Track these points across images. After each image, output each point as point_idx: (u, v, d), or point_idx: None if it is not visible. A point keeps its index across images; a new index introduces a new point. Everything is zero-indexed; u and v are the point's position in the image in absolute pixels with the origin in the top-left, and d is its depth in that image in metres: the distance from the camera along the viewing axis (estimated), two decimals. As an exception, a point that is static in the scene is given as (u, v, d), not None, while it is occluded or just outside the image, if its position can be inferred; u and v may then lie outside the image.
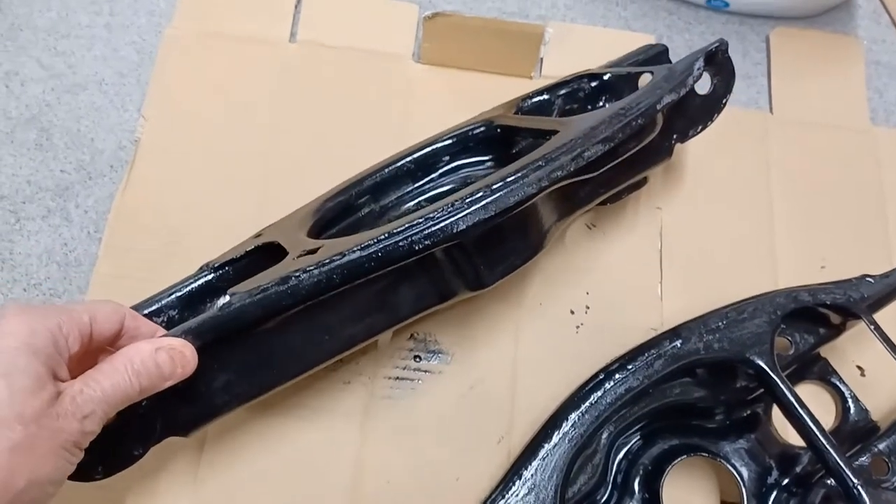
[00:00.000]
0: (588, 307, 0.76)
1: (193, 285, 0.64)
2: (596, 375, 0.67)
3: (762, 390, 0.68)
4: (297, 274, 0.53)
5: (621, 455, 0.70)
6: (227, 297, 0.57)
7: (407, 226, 0.53)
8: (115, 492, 0.65)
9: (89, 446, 0.48)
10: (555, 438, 0.64)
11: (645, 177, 0.75)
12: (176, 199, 0.77)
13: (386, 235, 0.53)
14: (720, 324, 0.68)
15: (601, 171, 0.61)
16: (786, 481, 0.69)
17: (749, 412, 0.71)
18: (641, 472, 0.69)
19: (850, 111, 0.89)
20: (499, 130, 0.74)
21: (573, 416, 0.65)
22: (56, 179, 0.79)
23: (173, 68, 0.82)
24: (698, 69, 0.67)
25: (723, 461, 0.69)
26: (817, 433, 0.62)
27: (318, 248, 0.58)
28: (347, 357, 0.63)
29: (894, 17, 0.97)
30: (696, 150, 0.82)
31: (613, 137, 0.59)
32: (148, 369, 0.49)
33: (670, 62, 0.78)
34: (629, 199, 0.77)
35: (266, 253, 0.64)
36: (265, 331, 0.56)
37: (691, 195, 0.82)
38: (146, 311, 0.62)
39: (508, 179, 0.54)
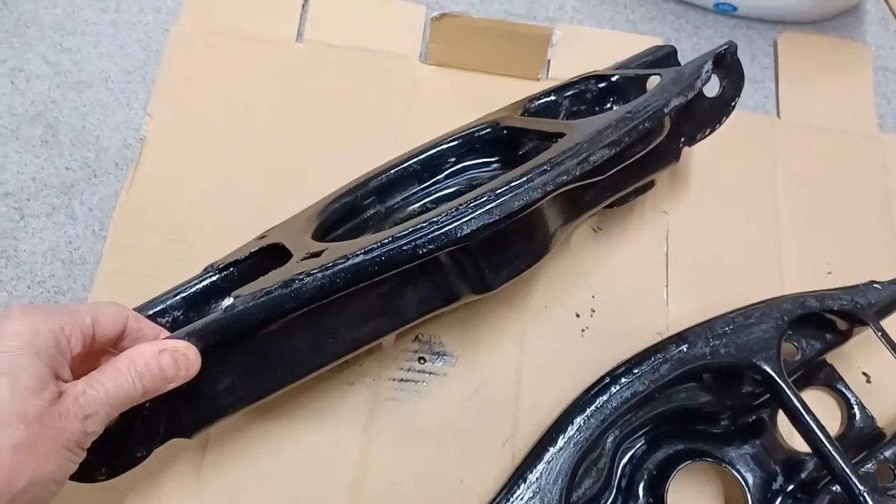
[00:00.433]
0: (593, 311, 0.76)
1: (198, 286, 0.64)
2: (602, 379, 0.67)
3: (768, 396, 0.68)
4: (301, 277, 0.53)
5: (626, 459, 0.70)
6: (231, 300, 0.56)
7: (411, 230, 0.53)
8: (118, 492, 0.65)
9: (93, 447, 0.48)
10: (560, 442, 0.64)
11: (652, 180, 0.74)
12: (181, 196, 0.77)
13: (390, 239, 0.53)
14: (727, 329, 0.68)
15: (607, 174, 0.61)
16: (791, 487, 0.69)
17: (754, 418, 0.71)
18: (646, 476, 0.69)
19: (857, 117, 0.89)
20: (505, 132, 0.74)
21: (579, 420, 0.65)
22: (61, 177, 0.79)
23: (179, 66, 0.82)
24: (707, 72, 0.67)
25: (728, 467, 0.69)
26: (823, 439, 0.62)
27: (321, 251, 0.58)
28: (351, 358, 0.63)
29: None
30: (702, 155, 0.82)
31: (620, 141, 0.58)
32: (151, 371, 0.49)
33: (679, 63, 0.78)
34: (635, 202, 0.77)
35: (270, 254, 0.64)
36: (269, 333, 0.56)
37: (698, 199, 0.82)
38: (151, 312, 0.62)
39: (513, 184, 0.53)
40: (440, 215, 0.53)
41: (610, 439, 0.68)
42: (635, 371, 0.66)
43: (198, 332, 0.53)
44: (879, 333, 0.68)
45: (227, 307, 0.55)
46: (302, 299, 0.53)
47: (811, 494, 0.68)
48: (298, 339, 0.58)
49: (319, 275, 0.53)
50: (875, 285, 0.71)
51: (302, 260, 0.58)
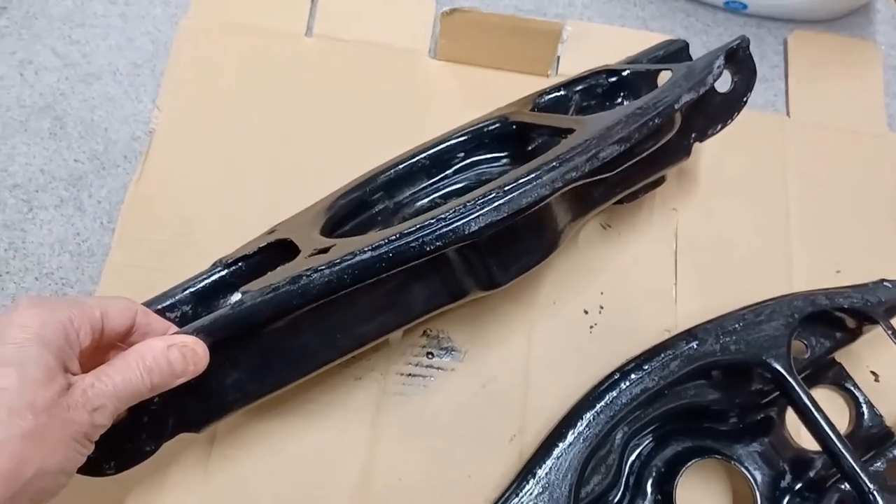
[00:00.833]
0: (602, 307, 0.75)
1: (207, 281, 0.65)
2: (611, 375, 0.67)
3: (777, 393, 0.68)
4: (309, 273, 0.53)
5: (635, 456, 0.69)
6: (239, 295, 0.56)
7: (419, 226, 0.52)
8: (126, 485, 0.65)
9: (101, 441, 0.48)
10: (569, 437, 0.64)
11: (662, 176, 0.74)
12: (189, 190, 0.76)
13: (397, 236, 0.52)
14: (737, 326, 0.68)
15: (617, 171, 0.60)
16: (799, 486, 0.69)
17: (763, 415, 0.71)
18: (655, 473, 0.69)
19: (867, 116, 0.88)
20: (514, 127, 0.73)
21: (588, 416, 0.65)
22: (69, 169, 0.79)
23: (188, 60, 0.82)
24: (718, 67, 0.66)
25: (736, 464, 0.69)
26: (833, 437, 0.62)
27: (329, 248, 0.57)
28: (359, 353, 0.62)
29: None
30: (712, 153, 0.82)
31: (630, 137, 0.57)
32: (160, 366, 0.50)
33: (690, 59, 0.77)
34: (644, 199, 0.77)
35: (279, 250, 0.64)
36: (276, 329, 0.56)
37: (707, 197, 0.81)
38: (160, 307, 0.62)
39: (522, 180, 0.53)
40: (448, 212, 0.52)
41: (619, 436, 0.68)
42: (645, 367, 0.66)
43: (206, 327, 0.53)
44: (890, 332, 0.68)
45: (236, 303, 0.55)
46: (309, 296, 0.53)
47: (819, 493, 0.68)
48: (306, 335, 0.58)
49: (327, 271, 0.53)
50: (885, 283, 0.71)
51: (310, 256, 0.58)
